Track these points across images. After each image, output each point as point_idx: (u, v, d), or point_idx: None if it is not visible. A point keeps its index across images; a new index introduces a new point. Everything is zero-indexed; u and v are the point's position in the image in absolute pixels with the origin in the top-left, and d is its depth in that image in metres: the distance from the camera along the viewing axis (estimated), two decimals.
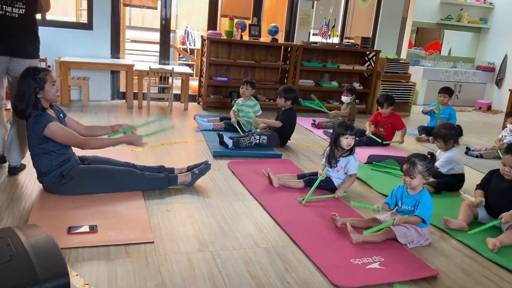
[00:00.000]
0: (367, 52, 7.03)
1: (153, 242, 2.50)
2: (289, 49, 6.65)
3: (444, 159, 3.74)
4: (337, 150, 3.41)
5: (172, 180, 3.25)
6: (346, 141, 3.35)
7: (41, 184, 3.05)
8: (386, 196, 3.11)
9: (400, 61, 7.09)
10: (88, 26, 5.91)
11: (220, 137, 4.35)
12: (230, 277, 2.25)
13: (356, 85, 6.79)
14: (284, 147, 4.65)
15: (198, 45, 9.07)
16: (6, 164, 3.38)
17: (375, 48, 7.26)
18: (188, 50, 9.36)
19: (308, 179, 3.52)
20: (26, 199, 2.93)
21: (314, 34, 7.29)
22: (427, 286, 2.34)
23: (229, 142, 4.29)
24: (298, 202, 3.22)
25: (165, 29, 6.47)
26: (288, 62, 6.61)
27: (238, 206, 3.10)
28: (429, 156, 2.89)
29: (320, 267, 2.38)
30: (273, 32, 6.53)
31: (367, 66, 7.03)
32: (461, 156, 4.23)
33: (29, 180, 3.21)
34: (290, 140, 4.74)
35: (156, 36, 6.90)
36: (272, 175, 3.49)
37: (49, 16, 5.60)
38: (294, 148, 4.69)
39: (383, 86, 6.85)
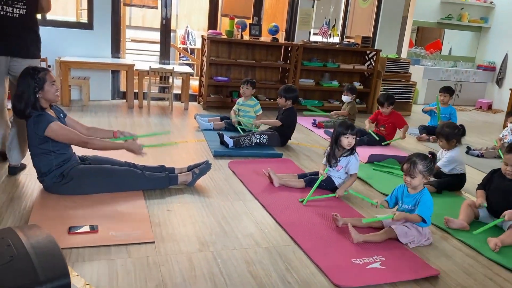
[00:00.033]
0: (368, 52, 7.02)
1: (153, 242, 2.49)
2: (289, 48, 6.65)
3: (446, 158, 3.73)
4: (337, 150, 3.41)
5: (173, 180, 3.25)
6: (347, 140, 3.34)
7: (41, 184, 3.04)
8: (387, 195, 3.10)
9: (401, 61, 7.09)
10: (89, 25, 5.90)
11: (221, 137, 4.35)
12: (231, 277, 2.25)
13: (357, 84, 6.79)
14: (285, 147, 4.64)
15: (198, 45, 9.07)
16: (6, 164, 3.38)
17: (375, 48, 7.25)
18: (189, 50, 9.36)
19: (309, 178, 3.51)
20: (26, 199, 2.93)
21: (314, 34, 7.28)
22: (429, 286, 2.33)
23: (230, 142, 4.28)
24: (299, 202, 3.22)
25: (166, 28, 6.47)
26: (288, 61, 6.60)
27: (239, 206, 3.10)
28: (430, 155, 2.89)
29: (321, 267, 2.38)
30: (274, 31, 6.52)
31: (368, 65, 7.03)
32: (463, 156, 4.21)
33: (30, 180, 3.21)
34: (290, 139, 4.74)
35: (157, 36, 6.89)
36: (273, 174, 3.48)
37: (49, 15, 5.59)
38: (294, 147, 4.68)
39: (384, 86, 6.85)
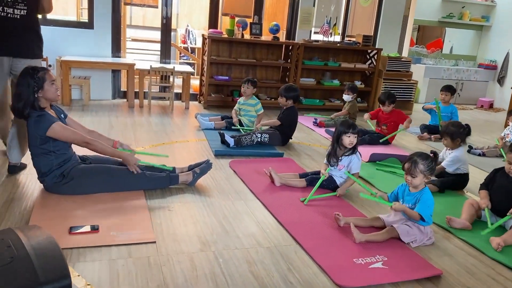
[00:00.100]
0: (369, 50, 7.01)
1: (155, 242, 2.48)
2: (290, 47, 6.63)
3: (451, 158, 3.71)
4: (339, 149, 3.40)
5: (173, 180, 3.24)
6: (348, 139, 3.33)
7: (41, 184, 3.04)
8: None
9: (402, 59, 7.07)
10: (89, 25, 5.89)
11: (222, 136, 4.34)
12: (232, 277, 2.24)
13: (358, 83, 6.77)
14: (286, 146, 4.63)
15: (199, 44, 9.06)
16: (6, 163, 3.38)
17: (376, 46, 7.24)
18: (189, 49, 9.34)
19: (310, 178, 3.50)
20: (27, 199, 2.92)
21: (315, 33, 7.27)
22: (431, 286, 2.32)
23: (231, 141, 4.27)
24: (300, 202, 3.21)
25: (166, 27, 6.45)
26: (289, 60, 6.59)
27: (240, 206, 3.09)
28: (431, 155, 2.87)
29: (323, 267, 2.37)
30: (274, 30, 6.51)
31: (369, 64, 7.01)
32: (467, 156, 4.20)
33: (30, 180, 3.20)
34: (291, 138, 4.73)
35: (157, 35, 6.88)
36: (274, 174, 3.47)
37: (49, 15, 5.57)
38: (296, 146, 4.67)
39: (385, 85, 6.83)
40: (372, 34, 7.26)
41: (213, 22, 6.77)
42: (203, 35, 6.51)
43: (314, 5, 6.93)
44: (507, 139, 5.06)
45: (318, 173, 3.54)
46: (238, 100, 5.17)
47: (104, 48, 5.99)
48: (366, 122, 5.13)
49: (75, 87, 5.95)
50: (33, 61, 3.29)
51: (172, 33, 7.26)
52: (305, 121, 5.76)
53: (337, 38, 7.21)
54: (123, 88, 6.36)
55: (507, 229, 2.93)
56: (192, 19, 10.05)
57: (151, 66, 5.80)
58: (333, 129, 3.88)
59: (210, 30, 6.30)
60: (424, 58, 8.60)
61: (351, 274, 2.33)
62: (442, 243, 2.81)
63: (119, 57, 6.16)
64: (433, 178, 3.41)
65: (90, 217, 2.69)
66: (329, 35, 6.76)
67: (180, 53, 9.10)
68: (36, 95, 2.84)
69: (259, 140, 4.43)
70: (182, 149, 4.28)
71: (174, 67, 5.96)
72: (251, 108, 4.99)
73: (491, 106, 8.46)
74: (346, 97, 5.70)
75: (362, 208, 3.22)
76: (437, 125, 5.52)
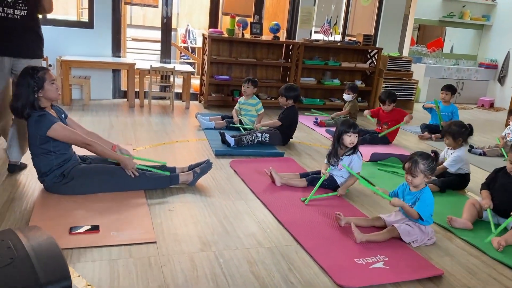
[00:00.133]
0: (369, 50, 7.00)
1: (155, 242, 2.48)
2: (290, 47, 6.62)
3: (453, 158, 3.71)
4: (340, 148, 3.39)
5: (174, 179, 3.23)
6: (349, 139, 3.32)
7: (42, 184, 3.03)
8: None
9: (402, 59, 7.07)
10: (89, 24, 5.89)
11: (222, 136, 4.33)
12: (233, 277, 2.23)
13: (358, 83, 6.77)
14: (287, 146, 4.63)
15: (199, 44, 9.05)
16: (6, 163, 3.37)
17: (377, 46, 7.23)
18: (190, 49, 9.33)
19: (311, 178, 3.50)
20: (27, 199, 2.92)
21: (316, 32, 7.26)
22: (432, 286, 2.32)
23: (231, 141, 4.27)
24: (301, 201, 3.20)
25: (166, 27, 6.45)
26: (289, 60, 6.58)
27: (241, 205, 3.08)
28: (432, 154, 2.86)
29: (323, 267, 2.36)
30: (275, 30, 6.50)
31: (369, 63, 7.01)
32: (468, 156, 4.20)
33: (30, 180, 3.19)
34: (292, 138, 4.72)
35: (157, 35, 6.87)
36: (275, 174, 3.46)
37: (50, 15, 5.56)
38: (296, 146, 4.67)
39: (385, 84, 6.83)
40: (372, 34, 7.25)
41: (213, 21, 6.76)
42: (203, 35, 6.51)
43: (314, 5, 6.93)
44: (507, 139, 5.06)
45: (318, 173, 3.53)
46: (238, 100, 5.16)
47: (104, 47, 5.98)
48: (366, 117, 5.12)
49: (75, 86, 5.95)
50: (34, 61, 3.30)
51: (173, 33, 7.25)
52: (305, 120, 5.75)
53: (338, 38, 7.21)
54: (124, 87, 6.36)
55: (508, 229, 2.92)
56: (192, 19, 10.04)
57: (151, 65, 5.80)
58: (333, 129, 3.87)
59: (211, 29, 6.29)
60: (424, 58, 8.59)
61: (352, 274, 2.33)
62: (443, 243, 2.80)
63: (120, 56, 6.15)
64: (434, 178, 3.40)
65: (90, 217, 2.68)
66: (330, 35, 6.76)
67: (181, 53, 9.09)
68: (36, 95, 2.84)
69: (259, 139, 4.42)
70: (183, 149, 4.27)
71: (174, 66, 5.95)
72: (252, 107, 4.98)
73: (491, 105, 8.45)
74: (346, 96, 5.70)
75: (363, 208, 3.22)
76: (437, 125, 5.52)
